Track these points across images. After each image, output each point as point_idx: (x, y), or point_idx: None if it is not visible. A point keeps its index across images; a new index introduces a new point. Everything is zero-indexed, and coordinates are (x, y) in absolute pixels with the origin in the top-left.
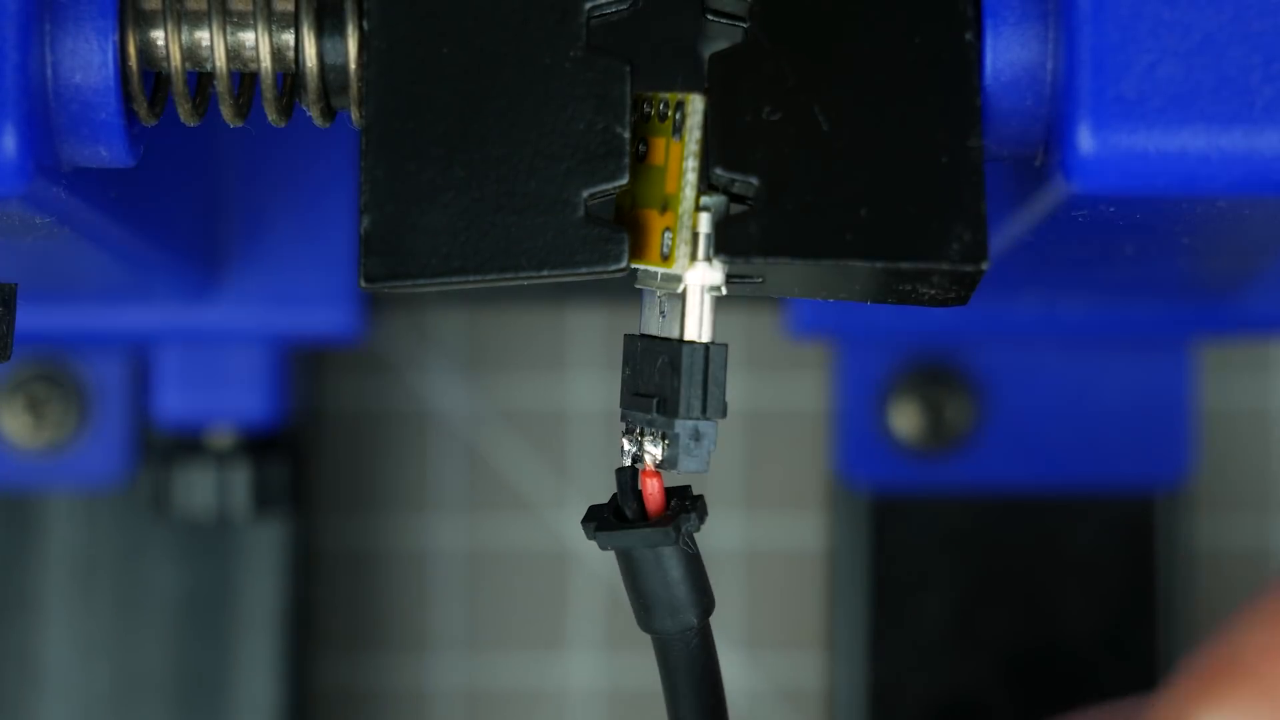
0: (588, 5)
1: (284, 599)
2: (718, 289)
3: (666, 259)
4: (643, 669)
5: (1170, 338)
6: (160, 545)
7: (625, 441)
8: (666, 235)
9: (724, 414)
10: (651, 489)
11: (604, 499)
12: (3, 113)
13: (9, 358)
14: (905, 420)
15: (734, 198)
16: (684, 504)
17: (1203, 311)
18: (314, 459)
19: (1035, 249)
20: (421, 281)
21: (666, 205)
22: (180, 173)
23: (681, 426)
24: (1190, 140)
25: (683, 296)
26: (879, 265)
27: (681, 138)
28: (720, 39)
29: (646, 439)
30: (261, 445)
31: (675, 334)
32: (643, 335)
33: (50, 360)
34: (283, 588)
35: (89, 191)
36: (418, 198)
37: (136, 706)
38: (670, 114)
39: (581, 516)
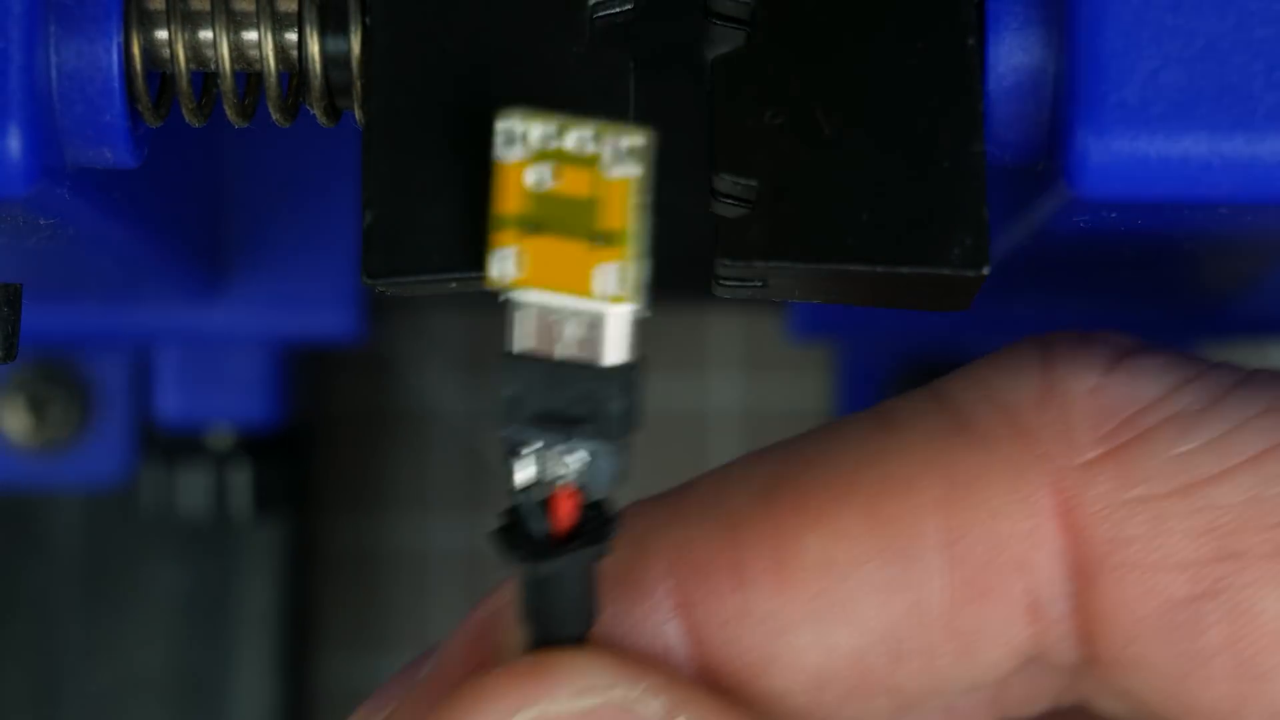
0: (591, 1)
1: (284, 599)
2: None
3: (607, 294)
4: None
5: (1171, 341)
6: (160, 545)
7: (517, 465)
8: (604, 270)
9: (639, 427)
10: (568, 509)
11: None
12: (8, 114)
13: (14, 358)
14: None
15: (736, 200)
16: (600, 515)
17: (1204, 315)
18: (314, 459)
19: (1036, 253)
20: (424, 277)
21: (605, 239)
22: (184, 174)
23: (600, 447)
24: (1193, 146)
25: (603, 322)
26: (879, 270)
27: (626, 173)
28: (723, 42)
29: (552, 461)
30: (262, 446)
31: (592, 357)
32: (535, 356)
33: (52, 360)
34: (283, 588)
35: (93, 192)
36: (420, 194)
37: (136, 706)
38: (598, 148)
39: (493, 540)
